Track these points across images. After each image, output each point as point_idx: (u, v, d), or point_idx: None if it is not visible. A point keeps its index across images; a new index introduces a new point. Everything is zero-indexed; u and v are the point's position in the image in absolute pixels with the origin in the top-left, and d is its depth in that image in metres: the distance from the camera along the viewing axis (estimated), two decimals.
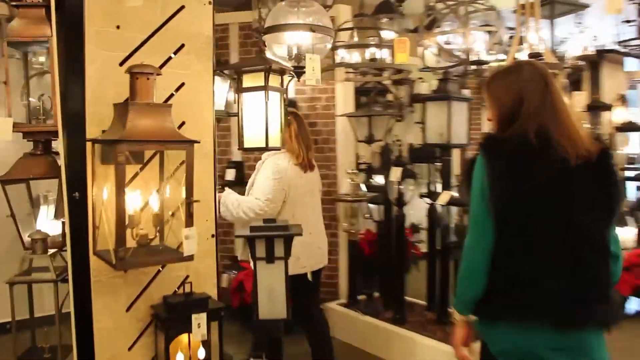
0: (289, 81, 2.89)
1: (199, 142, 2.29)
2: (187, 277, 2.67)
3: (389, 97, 6.10)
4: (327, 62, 4.24)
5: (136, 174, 2.49)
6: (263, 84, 2.68)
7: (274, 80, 2.77)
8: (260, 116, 2.70)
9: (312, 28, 2.14)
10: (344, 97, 5.03)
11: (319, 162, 5.06)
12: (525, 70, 1.78)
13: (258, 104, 2.71)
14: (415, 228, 5.75)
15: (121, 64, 2.48)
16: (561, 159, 1.63)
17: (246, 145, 2.76)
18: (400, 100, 6.15)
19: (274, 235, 2.71)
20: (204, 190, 2.70)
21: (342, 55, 4.28)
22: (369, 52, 4.28)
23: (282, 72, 2.82)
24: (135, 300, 2.53)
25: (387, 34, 4.33)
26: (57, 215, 2.81)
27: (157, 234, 2.40)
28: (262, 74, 2.68)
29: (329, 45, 2.35)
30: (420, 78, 6.03)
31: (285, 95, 2.85)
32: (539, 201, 1.65)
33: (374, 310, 4.55)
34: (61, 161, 2.44)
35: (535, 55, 3.59)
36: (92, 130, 2.39)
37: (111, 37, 2.44)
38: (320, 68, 4.01)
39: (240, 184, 5.16)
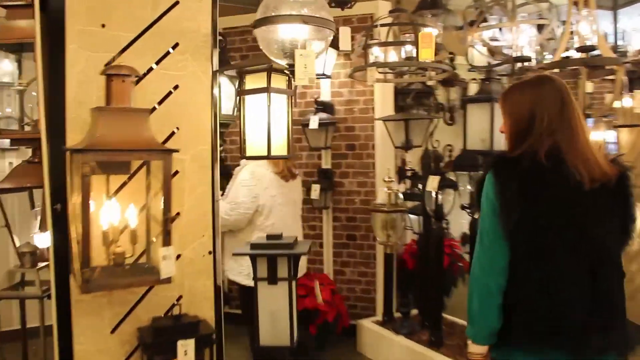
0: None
1: (176, 151, 2.06)
2: (180, 297, 2.44)
3: (440, 99, 5.72)
4: (360, 62, 3.94)
5: (123, 185, 2.28)
6: (265, 85, 2.42)
7: (279, 81, 2.51)
8: (263, 121, 2.44)
9: (305, 20, 1.85)
10: (382, 99, 4.71)
11: (356, 169, 4.77)
12: (544, 85, 1.74)
13: (260, 108, 2.45)
14: (467, 239, 5.35)
15: (107, 65, 2.28)
16: (575, 182, 1.60)
17: (248, 153, 2.51)
18: (451, 102, 5.77)
19: (277, 254, 2.45)
20: (200, 204, 2.47)
21: (376, 54, 3.97)
22: (404, 51, 3.96)
23: (289, 72, 2.56)
24: (121, 321, 2.33)
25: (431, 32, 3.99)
26: (42, 227, 2.66)
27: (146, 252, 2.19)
28: (265, 74, 2.42)
29: (329, 40, 2.05)
30: (474, 79, 5.62)
31: (293, 97, 2.58)
32: (551, 223, 1.62)
33: (411, 329, 4.21)
34: (44, 171, 2.27)
35: (586, 48, 3.15)
36: (75, 137, 2.20)
37: (96, 37, 2.25)
38: (354, 68, 3.72)
39: None
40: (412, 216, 4.63)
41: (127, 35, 2.31)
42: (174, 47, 2.40)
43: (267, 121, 2.42)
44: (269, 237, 2.54)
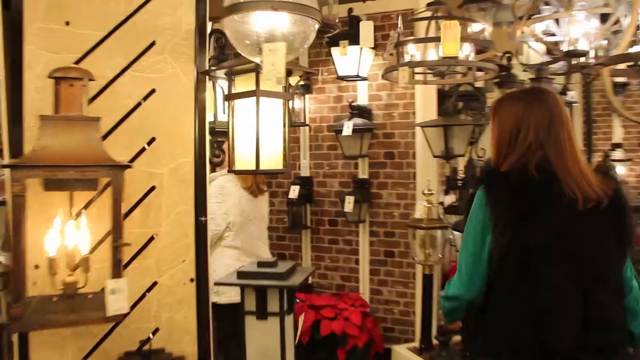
0: (297, 83, 2.27)
1: (129, 167, 1.76)
2: (157, 330, 2.14)
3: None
4: (392, 61, 3.55)
5: (90, 202, 2.00)
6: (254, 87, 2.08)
7: (273, 82, 2.17)
8: (252, 129, 2.10)
9: (275, 6, 1.51)
10: (424, 103, 4.28)
11: (395, 179, 4.36)
12: (535, 98, 1.72)
13: (250, 114, 2.12)
14: None
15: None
16: (568, 200, 1.56)
17: (237, 166, 2.18)
18: None
19: (267, 286, 2.11)
20: (181, 224, 2.17)
21: (412, 52, 3.56)
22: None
23: (286, 72, 2.21)
24: (86, 357, 2.05)
25: (478, 28, 3.55)
26: (5, 247, 2.42)
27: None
28: (254, 74, 2.09)
29: (312, 32, 1.70)
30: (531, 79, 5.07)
31: (290, 101, 2.23)
32: (543, 243, 1.57)
33: (449, 359, 3.76)
34: (6, 187, 2.03)
35: None
36: None
37: (58, 36, 1.99)
38: (376, 66, 3.33)
39: (305, 202, 4.61)
40: (456, 233, 4.17)
41: (96, 33, 2.04)
42: (150, 46, 2.11)
43: (255, 130, 2.08)
44: (260, 264, 2.20)
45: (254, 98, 2.08)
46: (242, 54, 1.79)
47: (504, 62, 4.73)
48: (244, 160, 2.17)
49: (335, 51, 4.13)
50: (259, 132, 2.09)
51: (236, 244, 3.34)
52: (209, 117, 2.36)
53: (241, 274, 2.12)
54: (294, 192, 4.51)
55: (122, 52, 2.07)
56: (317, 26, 1.74)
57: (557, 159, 1.61)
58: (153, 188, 2.12)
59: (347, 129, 4.17)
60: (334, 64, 4.22)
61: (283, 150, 2.22)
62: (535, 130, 1.64)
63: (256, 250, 3.46)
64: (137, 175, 2.10)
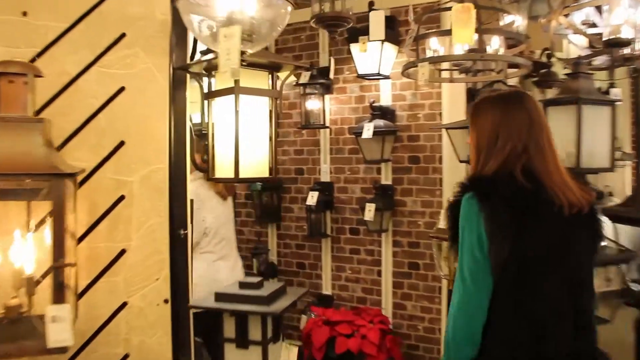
0: (285, 79, 2.01)
1: (75, 175, 1.53)
2: (127, 356, 1.91)
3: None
4: (412, 56, 3.25)
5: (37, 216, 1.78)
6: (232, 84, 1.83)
7: (258, 78, 1.92)
8: (231, 133, 1.85)
9: None
10: (451, 103, 3.95)
11: (420, 185, 4.05)
12: (514, 102, 1.69)
13: (230, 115, 1.86)
14: None
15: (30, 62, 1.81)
16: (557, 207, 1.54)
17: (217, 173, 1.94)
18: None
19: (248, 312, 1.85)
20: (153, 238, 1.94)
21: (434, 47, 3.24)
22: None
23: (274, 66, 1.96)
24: None
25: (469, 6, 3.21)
26: None
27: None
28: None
29: (283, 17, 1.43)
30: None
31: (278, 100, 1.97)
32: (540, 254, 1.54)
33: None
34: None
35: None
36: None
37: (14, 28, 1.79)
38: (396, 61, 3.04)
39: (325, 209, 4.34)
40: None
41: (57, 25, 1.83)
42: (119, 39, 1.88)
43: (234, 132, 1.83)
44: (242, 284, 1.95)
45: (231, 96, 1.83)
46: (201, 42, 1.53)
47: (543, 59, 4.38)
48: (224, 166, 1.92)
49: (354, 48, 3.85)
50: (239, 134, 1.83)
51: (210, 249, 3.32)
52: (196, 119, 2.13)
53: (220, 296, 1.86)
54: (312, 198, 4.23)
55: (87, 46, 1.86)
56: (289, 9, 1.47)
57: (540, 165, 1.59)
58: (122, 198, 1.90)
59: (367, 131, 3.87)
60: (354, 62, 3.94)
61: (269, 155, 1.96)
62: (515, 135, 1.61)
63: (228, 252, 3.48)
64: (104, 183, 1.88)
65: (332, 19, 3.00)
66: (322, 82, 4.20)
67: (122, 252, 1.90)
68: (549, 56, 4.52)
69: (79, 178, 1.83)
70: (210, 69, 1.93)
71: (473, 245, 1.53)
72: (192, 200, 2.21)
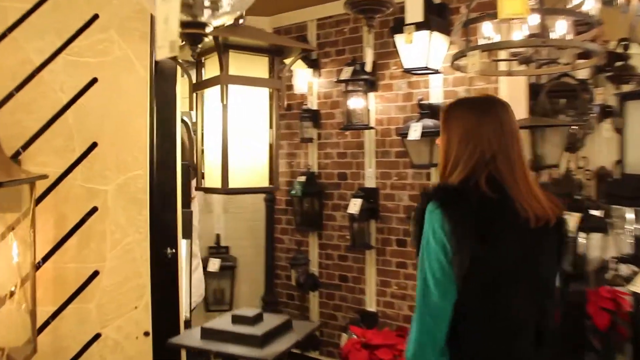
0: (289, 65, 1.66)
1: (29, 181, 1.23)
2: None
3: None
4: (460, 45, 2.85)
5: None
6: (219, 72, 1.50)
7: (253, 65, 1.58)
8: (219, 132, 1.52)
9: None
10: (510, 100, 3.47)
11: None
12: (487, 108, 1.64)
13: (219, 110, 1.53)
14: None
15: None
16: (522, 219, 1.54)
17: (207, 182, 1.61)
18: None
19: (235, 356, 1.51)
20: (131, 258, 1.63)
21: (487, 33, 2.82)
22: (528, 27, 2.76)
23: (275, 50, 1.61)
24: None
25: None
26: None
27: None
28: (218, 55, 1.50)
29: None
30: None
31: (281, 92, 1.62)
32: (503, 264, 1.54)
33: None
34: None
35: None
36: None
37: None
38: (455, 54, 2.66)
39: (370, 218, 3.96)
40: None
41: (18, 5, 1.55)
42: (90, 22, 1.59)
43: (222, 131, 1.49)
44: (235, 318, 1.60)
45: (218, 86, 1.49)
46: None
47: (619, 50, 3.84)
48: (213, 174, 1.58)
49: (399, 39, 3.45)
50: (227, 134, 1.50)
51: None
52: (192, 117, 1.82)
53: (206, 332, 1.53)
54: (356, 206, 3.86)
55: (53, 30, 1.58)
56: None
57: (507, 175, 1.57)
58: (94, 210, 1.61)
59: (415, 132, 3.46)
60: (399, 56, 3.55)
61: (269, 160, 1.61)
62: (485, 144, 1.59)
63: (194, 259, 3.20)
64: (73, 192, 1.59)
65: (367, 3, 2.63)
66: (365, 78, 3.84)
67: (95, 274, 1.61)
68: (626, 47, 3.98)
69: (42, 186, 1.54)
70: (201, 54, 1.60)
71: (438, 254, 1.52)
72: (190, 212, 1.90)
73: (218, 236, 4.45)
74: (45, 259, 1.58)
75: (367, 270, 4.09)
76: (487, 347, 1.55)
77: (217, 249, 4.41)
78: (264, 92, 1.59)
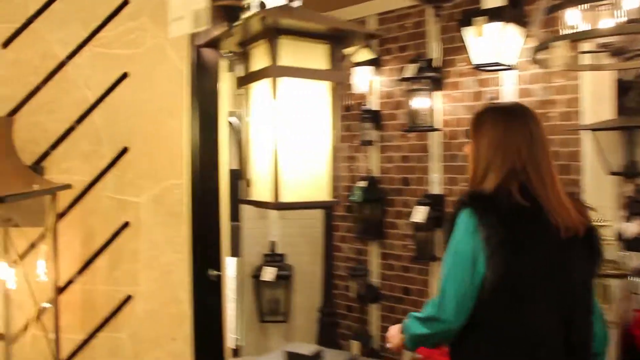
0: (352, 54, 1.41)
1: (50, 192, 1.02)
2: None
3: None
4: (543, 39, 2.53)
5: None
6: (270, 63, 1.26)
7: (313, 55, 1.33)
8: (269, 135, 1.28)
9: None
10: (594, 98, 3.13)
11: None
12: (516, 117, 1.67)
13: (267, 109, 1.29)
14: None
15: (6, 43, 1.35)
16: (553, 229, 1.55)
17: (254, 194, 1.37)
18: None
19: None
20: (167, 282, 1.41)
21: (572, 22, 2.50)
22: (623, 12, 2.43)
23: (337, 36, 1.36)
24: None
25: None
26: None
27: None
28: (268, 42, 1.26)
29: None
30: None
31: (344, 87, 1.37)
32: (534, 275, 1.55)
33: None
34: None
35: None
36: None
37: None
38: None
39: (435, 228, 3.66)
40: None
41: None
42: (119, 9, 1.38)
43: (272, 134, 1.25)
44: (292, 356, 1.35)
45: (269, 80, 1.25)
46: None
47: None
48: (262, 185, 1.34)
49: (467, 32, 3.14)
50: (278, 137, 1.25)
51: None
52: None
53: None
54: (420, 214, 3.58)
55: (78, 19, 1.39)
56: None
57: (538, 185, 1.59)
58: (126, 225, 1.39)
59: None
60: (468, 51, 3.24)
61: (329, 170, 1.35)
62: (515, 153, 1.62)
63: None
64: (102, 205, 1.39)
65: None
66: (431, 76, 3.55)
67: (127, 299, 1.39)
68: None
69: (67, 197, 1.34)
70: (247, 42, 1.36)
71: (466, 260, 1.54)
72: (236, 226, 1.67)
73: (273, 243, 4.25)
74: (71, 280, 1.38)
75: (431, 283, 3.81)
76: (510, 355, 1.57)
77: (272, 257, 4.22)
78: (323, 86, 1.34)
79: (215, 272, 1.48)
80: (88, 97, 1.37)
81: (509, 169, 1.61)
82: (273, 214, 4.32)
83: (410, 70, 3.56)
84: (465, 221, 1.56)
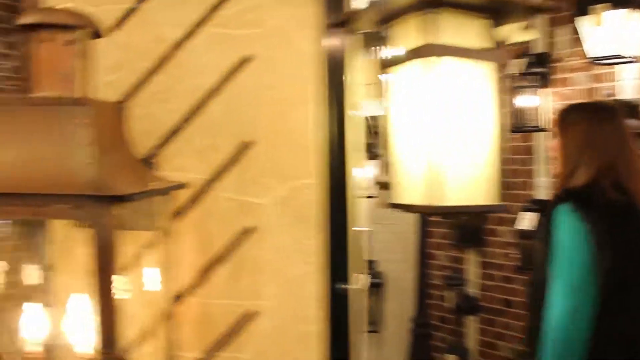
0: (516, 31, 1.19)
1: (120, 199, 0.86)
2: None
3: None
4: None
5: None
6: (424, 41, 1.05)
7: (467, 32, 1.12)
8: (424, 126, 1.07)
9: None
10: None
11: None
12: (606, 116, 1.69)
13: (420, 97, 1.09)
14: None
15: (115, 26, 1.22)
16: None
17: (399, 195, 1.16)
18: None
19: None
20: (296, 296, 1.25)
21: None
22: None
23: (497, 10, 1.14)
24: None
25: None
26: None
27: None
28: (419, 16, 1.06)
29: None
30: None
31: (503, 70, 1.16)
32: (630, 266, 1.57)
33: None
34: None
35: None
36: None
37: None
38: None
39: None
40: None
41: None
42: None
43: (431, 125, 1.04)
44: None
45: (426, 61, 1.04)
46: None
47: None
48: (410, 186, 1.13)
49: (582, 22, 2.88)
50: (437, 130, 1.04)
51: None
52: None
53: None
54: (526, 221, 3.33)
55: None
56: None
57: (628, 181, 1.60)
58: (248, 230, 1.21)
59: None
60: (581, 43, 2.98)
61: (496, 169, 1.13)
62: (603, 151, 1.62)
63: None
64: (221, 207, 1.24)
65: None
66: (537, 71, 3.33)
67: (249, 316, 1.22)
68: None
69: (180, 198, 1.19)
70: (387, 19, 1.16)
71: (576, 257, 1.53)
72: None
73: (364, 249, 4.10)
74: (186, 291, 1.22)
75: None
76: (616, 352, 1.54)
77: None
78: (485, 69, 1.12)
79: (343, 286, 1.29)
80: (204, 85, 1.21)
81: (599, 166, 1.62)
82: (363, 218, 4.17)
83: (517, 65, 3.34)
84: (567, 217, 1.57)
